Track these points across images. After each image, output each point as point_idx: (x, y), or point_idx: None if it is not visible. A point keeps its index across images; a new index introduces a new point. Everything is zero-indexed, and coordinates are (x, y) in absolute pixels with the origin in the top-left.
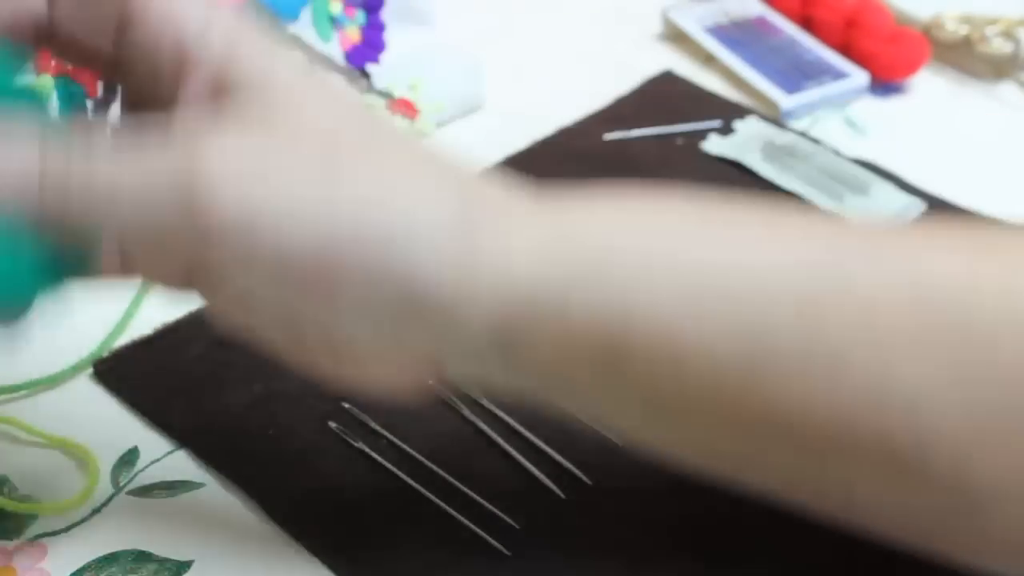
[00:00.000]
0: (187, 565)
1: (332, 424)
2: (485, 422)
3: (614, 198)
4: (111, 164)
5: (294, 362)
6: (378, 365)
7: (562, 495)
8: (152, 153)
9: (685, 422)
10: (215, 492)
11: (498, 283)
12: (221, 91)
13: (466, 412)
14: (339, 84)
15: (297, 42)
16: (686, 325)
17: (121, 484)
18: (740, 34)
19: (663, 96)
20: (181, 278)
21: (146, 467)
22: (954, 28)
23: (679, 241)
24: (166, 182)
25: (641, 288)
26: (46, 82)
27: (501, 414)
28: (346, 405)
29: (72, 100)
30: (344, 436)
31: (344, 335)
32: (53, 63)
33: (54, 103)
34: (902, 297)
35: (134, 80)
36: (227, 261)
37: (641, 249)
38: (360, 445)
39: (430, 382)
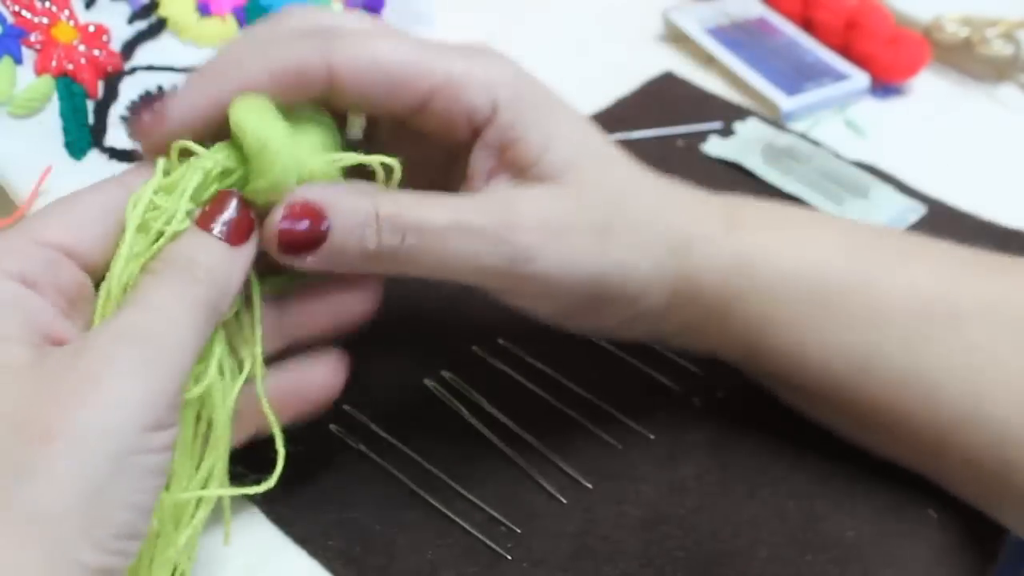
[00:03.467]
0: None
1: (333, 427)
2: (486, 426)
3: (786, 227)
4: (438, 211)
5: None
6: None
7: (563, 499)
8: (475, 204)
9: (806, 401)
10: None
11: (697, 283)
12: (506, 159)
13: (467, 416)
14: (609, 145)
15: None
16: (810, 338)
17: None
18: (741, 35)
19: (663, 97)
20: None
21: None
22: (954, 30)
23: (822, 268)
24: (490, 227)
25: (781, 304)
26: (47, 82)
27: (502, 418)
28: (347, 408)
29: (73, 100)
30: (345, 439)
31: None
32: (54, 63)
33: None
34: (1003, 336)
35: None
36: (536, 282)
37: (788, 272)
38: (361, 448)
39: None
